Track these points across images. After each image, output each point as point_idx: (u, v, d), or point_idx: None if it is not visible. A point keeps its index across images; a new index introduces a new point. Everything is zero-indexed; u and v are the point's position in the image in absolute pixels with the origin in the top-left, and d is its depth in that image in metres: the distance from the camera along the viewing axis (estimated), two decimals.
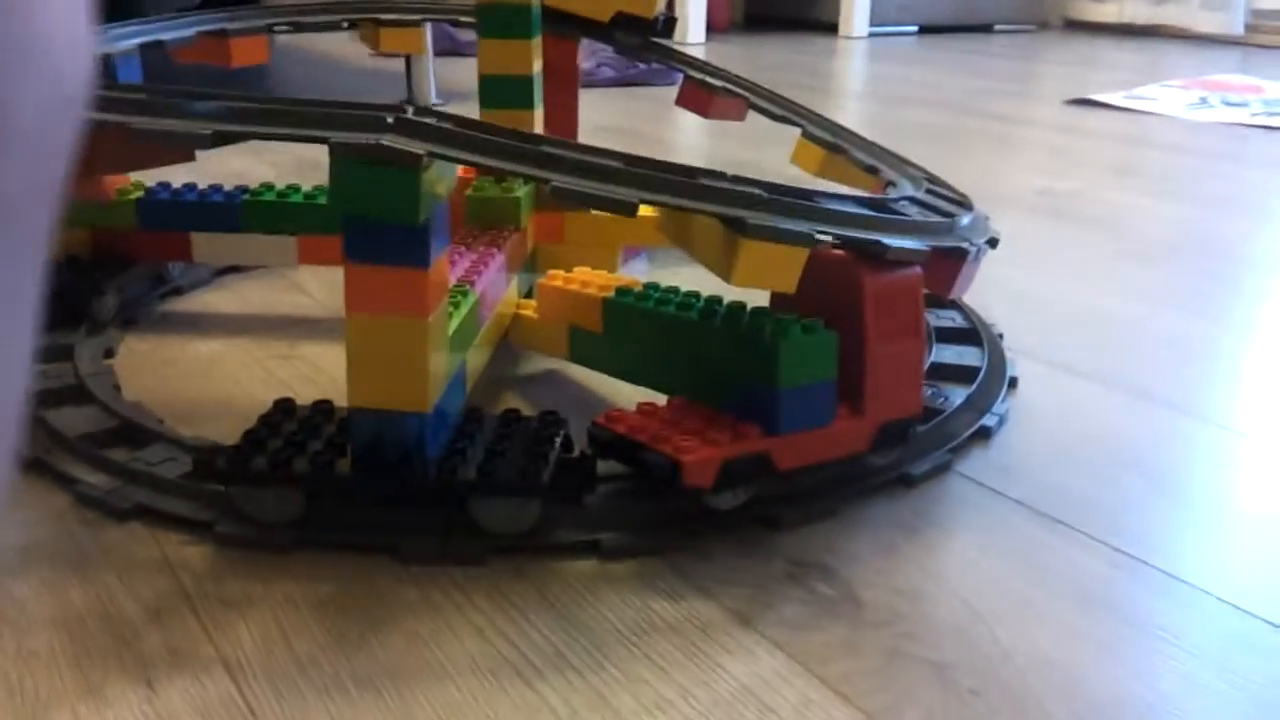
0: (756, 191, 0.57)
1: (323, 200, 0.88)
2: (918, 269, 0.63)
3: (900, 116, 1.99)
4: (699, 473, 0.56)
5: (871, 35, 3.27)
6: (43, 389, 0.73)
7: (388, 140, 0.51)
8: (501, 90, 0.88)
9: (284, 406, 0.61)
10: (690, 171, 0.57)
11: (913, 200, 0.72)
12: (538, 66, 0.89)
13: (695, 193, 0.56)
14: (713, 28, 3.15)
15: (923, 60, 2.87)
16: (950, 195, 0.77)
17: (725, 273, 0.57)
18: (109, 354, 0.82)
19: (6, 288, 0.22)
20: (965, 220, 0.70)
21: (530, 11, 0.87)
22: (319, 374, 0.79)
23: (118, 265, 0.89)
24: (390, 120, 0.53)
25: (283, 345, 0.85)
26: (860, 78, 2.61)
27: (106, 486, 0.62)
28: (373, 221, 0.53)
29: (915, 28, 3.44)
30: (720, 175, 0.58)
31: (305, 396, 0.64)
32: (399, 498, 0.57)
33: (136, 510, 0.60)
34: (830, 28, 3.33)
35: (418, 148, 0.51)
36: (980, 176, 1.47)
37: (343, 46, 2.65)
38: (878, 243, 0.60)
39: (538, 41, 0.89)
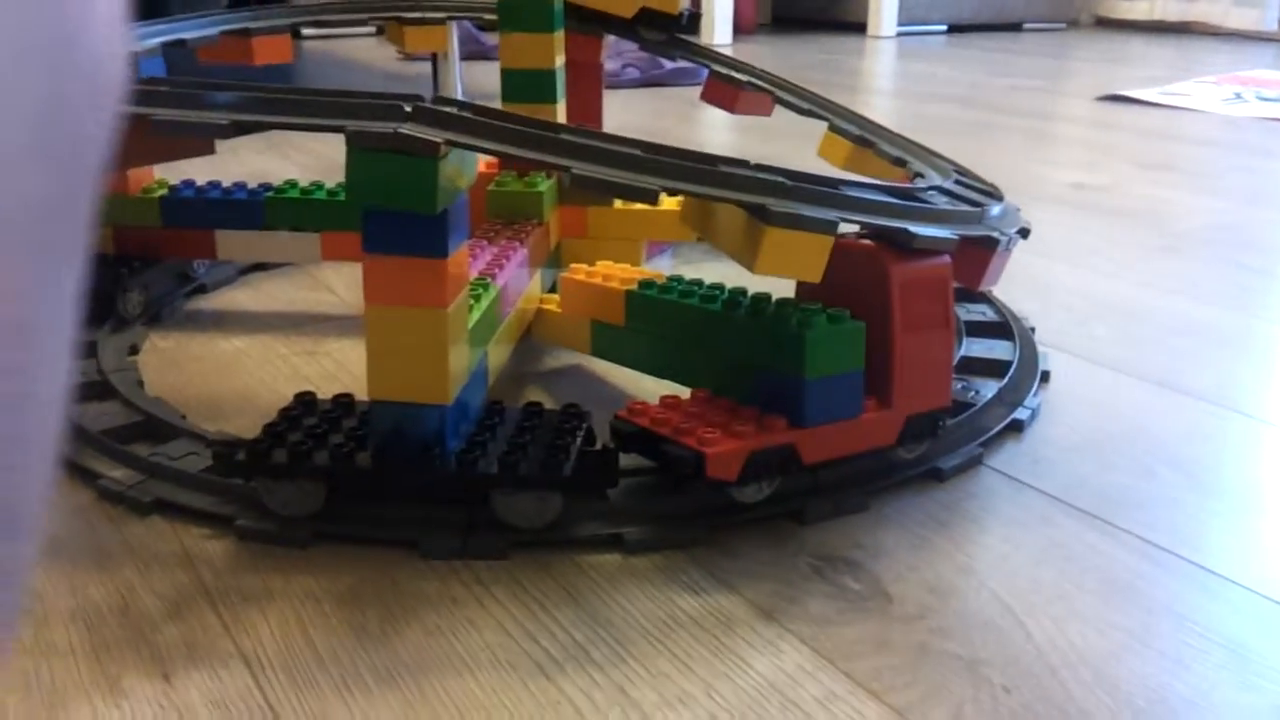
0: (780, 179, 0.56)
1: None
2: (946, 258, 0.62)
3: (930, 113, 1.98)
4: (723, 465, 0.56)
5: (900, 35, 3.25)
6: None
7: (406, 129, 0.51)
8: (524, 84, 0.87)
9: (304, 400, 0.60)
10: (713, 159, 0.56)
11: (941, 190, 0.70)
12: (560, 61, 0.88)
13: (718, 180, 0.56)
14: (739, 29, 3.14)
15: (952, 58, 2.85)
16: (980, 186, 0.76)
17: (749, 261, 0.56)
18: (133, 351, 0.82)
19: (47, 285, 0.22)
20: (995, 210, 0.68)
21: (551, 5, 0.86)
22: (343, 370, 0.79)
23: (142, 262, 0.89)
24: (408, 109, 0.52)
25: (307, 342, 0.85)
26: (889, 76, 2.59)
27: (128, 481, 0.62)
28: (390, 212, 0.53)
29: (944, 26, 3.42)
30: (743, 163, 0.57)
31: (329, 392, 0.63)
32: (420, 491, 0.57)
33: (157, 505, 0.60)
34: (858, 27, 3.31)
35: (435, 136, 0.51)
36: (1012, 171, 1.46)
37: (370, 51, 2.66)
38: (905, 231, 0.59)
39: (559, 35, 0.88)
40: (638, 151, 0.55)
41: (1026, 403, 0.73)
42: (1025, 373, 0.77)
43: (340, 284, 0.98)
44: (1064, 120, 1.97)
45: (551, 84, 0.88)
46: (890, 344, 0.60)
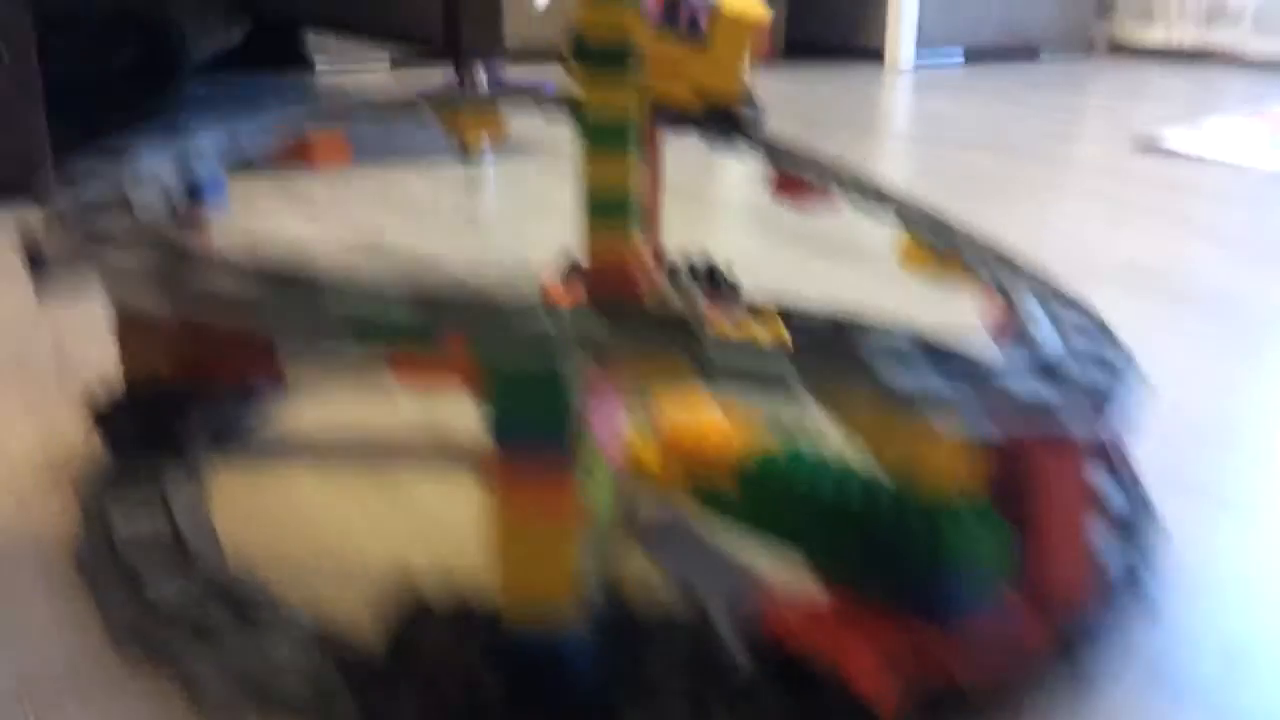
0: (911, 350, 0.53)
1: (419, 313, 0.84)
2: (1085, 432, 0.59)
3: (957, 161, 1.94)
4: (880, 695, 0.52)
5: (918, 68, 3.23)
6: (137, 541, 0.69)
7: (546, 354, 0.47)
8: (604, 206, 0.84)
9: (420, 614, 0.56)
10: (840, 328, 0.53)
11: (1066, 346, 0.67)
12: (638, 180, 0.85)
13: (844, 355, 0.52)
14: (759, 60, 3.10)
15: (971, 93, 2.82)
16: (1092, 323, 0.73)
17: (885, 455, 0.53)
18: (200, 487, 0.78)
19: None
20: (1120, 363, 0.65)
21: (633, 126, 0.82)
22: (427, 522, 0.75)
23: (203, 384, 0.86)
24: (559, 326, 0.49)
25: (382, 475, 0.81)
26: (909, 116, 2.56)
27: (222, 677, 0.58)
28: (524, 428, 0.49)
29: (960, 52, 3.40)
30: (870, 328, 0.53)
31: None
32: None
33: (258, 704, 0.56)
34: (874, 54, 3.29)
35: (576, 361, 0.48)
36: (1055, 240, 1.42)
37: (380, 80, 2.63)
38: (1053, 416, 0.56)
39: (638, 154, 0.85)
40: (777, 355, 0.52)
41: (1151, 566, 0.69)
42: (1142, 525, 0.73)
43: (408, 402, 0.94)
44: (1097, 173, 1.93)
45: (631, 206, 0.84)
46: (1038, 539, 0.56)
